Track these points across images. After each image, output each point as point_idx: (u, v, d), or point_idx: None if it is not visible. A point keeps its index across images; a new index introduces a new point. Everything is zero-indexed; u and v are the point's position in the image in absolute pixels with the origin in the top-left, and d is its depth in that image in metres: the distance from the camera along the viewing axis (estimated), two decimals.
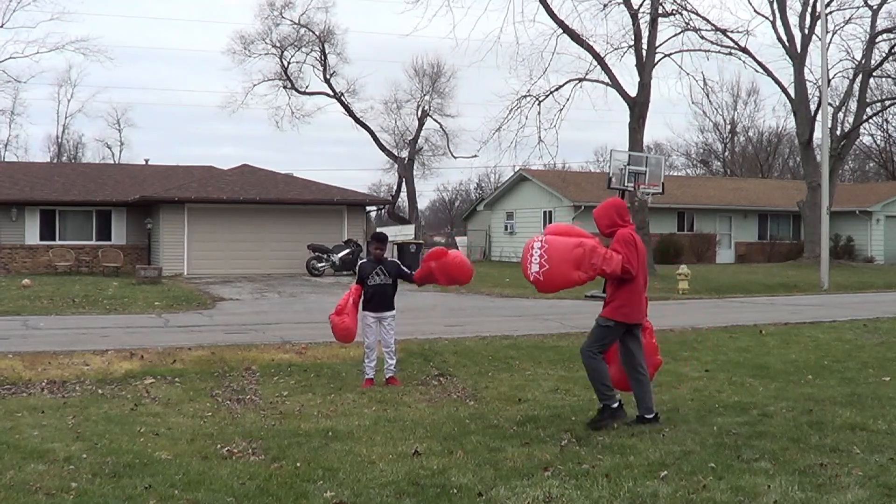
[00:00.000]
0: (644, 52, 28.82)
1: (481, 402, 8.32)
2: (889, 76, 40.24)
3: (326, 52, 47.94)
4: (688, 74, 31.45)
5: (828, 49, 28.80)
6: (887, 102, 43.87)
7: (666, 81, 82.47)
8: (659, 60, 29.76)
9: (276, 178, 32.37)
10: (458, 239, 47.71)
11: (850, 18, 36.49)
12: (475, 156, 79.80)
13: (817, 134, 34.86)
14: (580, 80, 29.34)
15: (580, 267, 6.79)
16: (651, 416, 7.13)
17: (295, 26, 47.07)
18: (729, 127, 65.35)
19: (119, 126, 69.83)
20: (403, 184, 52.03)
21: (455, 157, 54.78)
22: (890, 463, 5.80)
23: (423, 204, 67.49)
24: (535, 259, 6.81)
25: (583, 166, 67.32)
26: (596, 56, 28.75)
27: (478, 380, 9.58)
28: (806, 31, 35.79)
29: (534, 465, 5.86)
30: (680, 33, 30.17)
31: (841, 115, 40.24)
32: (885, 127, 55.19)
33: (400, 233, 37.74)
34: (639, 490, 5.23)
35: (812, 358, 11.05)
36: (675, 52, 30.32)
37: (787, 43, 36.00)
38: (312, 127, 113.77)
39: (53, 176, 34.13)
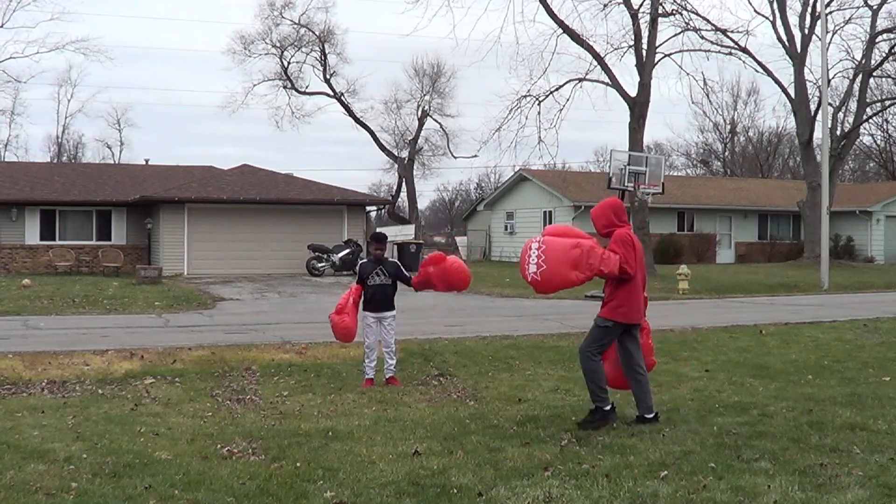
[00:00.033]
0: (644, 52, 28.82)
1: (481, 402, 8.32)
2: (889, 76, 40.26)
3: (326, 52, 47.98)
4: (688, 74, 31.53)
5: (828, 49, 28.84)
6: (887, 102, 43.88)
7: (666, 81, 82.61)
8: (659, 60, 29.80)
9: (276, 178, 32.38)
10: (458, 239, 47.70)
11: (850, 18, 36.58)
12: (475, 156, 79.84)
13: (817, 134, 34.92)
14: (580, 80, 29.35)
15: (578, 267, 6.80)
16: (651, 415, 7.14)
17: (295, 26, 47.13)
18: (729, 127, 65.40)
19: (119, 126, 70.02)
20: (403, 184, 52.03)
21: (455, 157, 54.87)
22: (890, 463, 5.81)
23: (423, 204, 67.60)
24: (533, 260, 6.84)
25: (583, 166, 67.41)
26: (596, 56, 28.76)
27: (478, 380, 9.58)
28: (806, 31, 35.80)
29: (534, 465, 5.86)
30: (680, 33, 30.22)
31: (841, 115, 40.31)
32: (885, 127, 55.29)
33: (400, 233, 37.76)
34: (639, 490, 5.24)
35: (812, 358, 11.05)
36: (675, 52, 30.38)
37: (787, 43, 36.01)
38: (312, 127, 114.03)
39: (53, 176, 34.14)
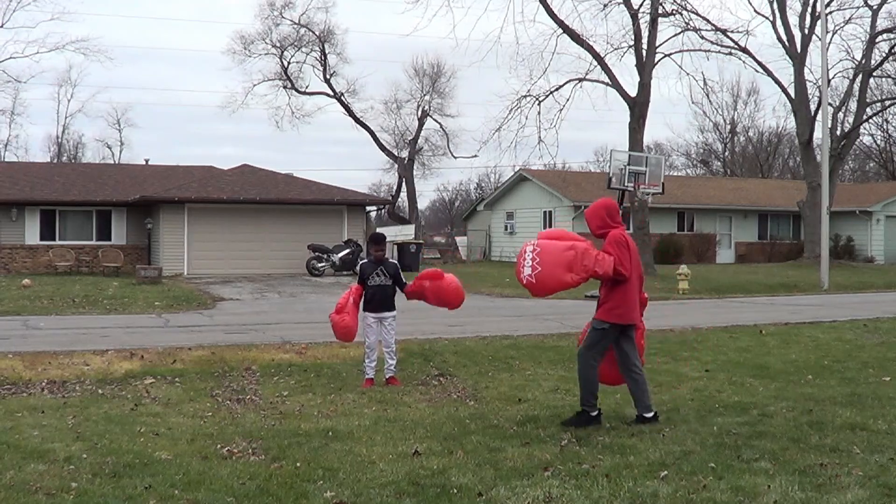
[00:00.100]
0: (644, 52, 28.83)
1: (481, 402, 8.32)
2: (889, 76, 40.25)
3: (326, 52, 47.96)
4: (688, 74, 31.56)
5: (828, 49, 28.85)
6: (887, 102, 43.87)
7: (666, 81, 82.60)
8: (659, 60, 29.81)
9: (277, 178, 32.38)
10: (457, 239, 47.68)
11: (850, 18, 36.58)
12: (475, 156, 79.81)
13: (817, 134, 34.92)
14: (580, 80, 29.36)
15: (572, 269, 6.83)
16: (650, 414, 7.14)
17: (295, 26, 47.10)
18: (729, 127, 65.38)
19: (119, 126, 69.96)
20: (403, 184, 52.00)
21: (455, 157, 54.78)
22: (890, 463, 5.81)
23: (423, 204, 67.54)
24: (528, 262, 6.89)
25: (583, 166, 67.40)
26: (596, 56, 28.77)
27: (478, 380, 9.58)
28: (806, 31, 35.80)
29: (534, 465, 5.86)
30: (680, 33, 30.24)
31: (841, 115, 40.30)
32: (885, 127, 55.28)
33: (400, 233, 37.73)
34: (639, 490, 5.24)
35: (812, 358, 11.05)
36: (675, 52, 30.40)
37: (787, 43, 36.00)
38: (312, 127, 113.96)
39: (53, 176, 34.14)
